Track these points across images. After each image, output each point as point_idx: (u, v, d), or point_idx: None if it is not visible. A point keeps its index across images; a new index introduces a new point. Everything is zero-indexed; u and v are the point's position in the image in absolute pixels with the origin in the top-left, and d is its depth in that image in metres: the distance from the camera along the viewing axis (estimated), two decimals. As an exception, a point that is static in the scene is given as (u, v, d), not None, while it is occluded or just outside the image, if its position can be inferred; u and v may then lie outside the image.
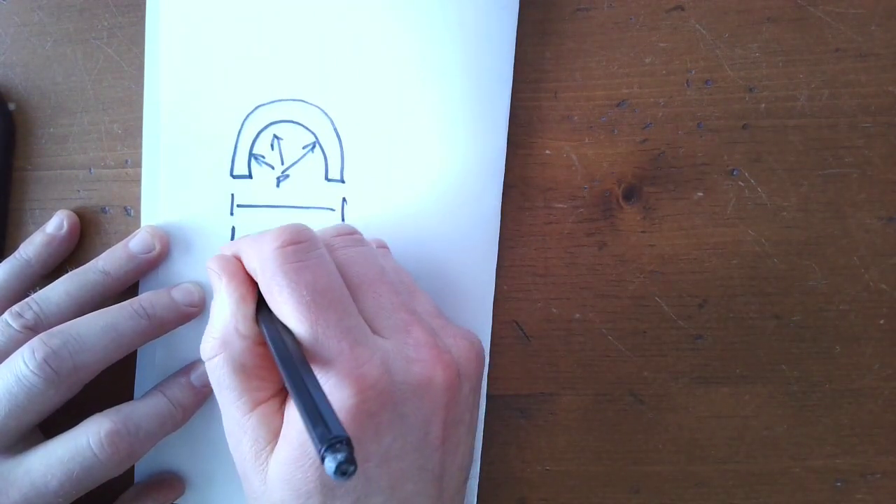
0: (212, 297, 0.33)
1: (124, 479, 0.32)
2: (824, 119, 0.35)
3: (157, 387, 0.33)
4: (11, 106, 0.34)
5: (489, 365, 0.35)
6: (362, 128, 0.34)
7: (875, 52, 0.34)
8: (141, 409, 0.31)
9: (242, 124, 0.34)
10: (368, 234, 0.32)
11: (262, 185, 0.34)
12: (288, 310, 0.26)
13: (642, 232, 0.35)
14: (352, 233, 0.30)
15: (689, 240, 0.35)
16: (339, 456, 0.20)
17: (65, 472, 0.29)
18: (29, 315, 0.31)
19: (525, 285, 0.35)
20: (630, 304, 0.35)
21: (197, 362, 0.33)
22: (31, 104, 0.34)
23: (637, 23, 0.34)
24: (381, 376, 0.25)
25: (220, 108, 0.33)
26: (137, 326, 0.31)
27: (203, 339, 0.28)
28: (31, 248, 0.33)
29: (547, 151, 0.35)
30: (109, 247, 0.33)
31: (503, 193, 0.34)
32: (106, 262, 0.32)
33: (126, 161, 0.34)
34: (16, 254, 0.33)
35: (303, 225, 0.28)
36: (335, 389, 0.25)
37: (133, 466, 0.34)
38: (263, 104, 0.33)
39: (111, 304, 0.31)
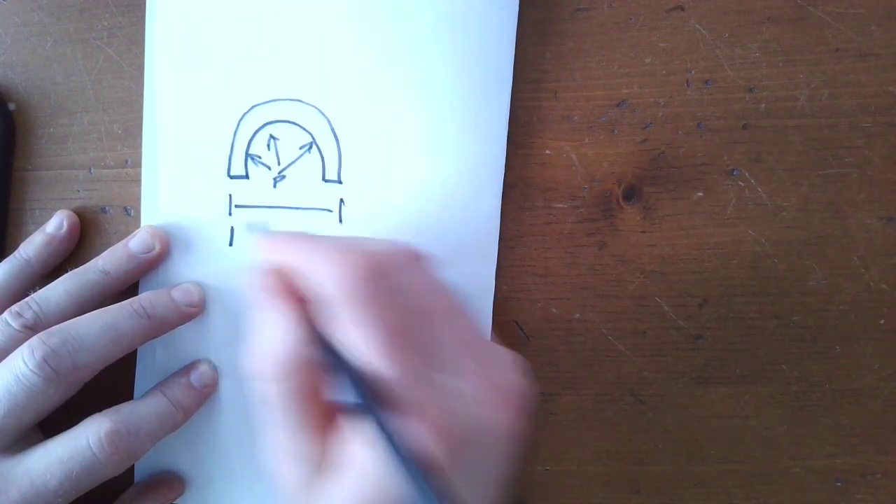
0: (211, 298, 0.33)
1: (124, 479, 0.32)
2: (824, 119, 0.35)
3: (157, 387, 0.33)
4: (11, 106, 0.34)
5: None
6: (360, 128, 0.33)
7: (875, 52, 0.34)
8: (141, 409, 0.31)
9: (238, 124, 0.33)
10: (367, 235, 0.32)
11: (259, 185, 0.34)
12: (369, 348, 0.25)
13: (642, 232, 0.35)
14: (417, 257, 0.29)
15: (689, 240, 0.35)
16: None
17: (64, 472, 0.29)
18: (29, 314, 0.31)
19: (525, 285, 0.35)
20: (630, 304, 0.35)
21: (197, 362, 0.33)
22: (31, 104, 0.34)
23: (637, 23, 0.34)
24: (455, 424, 0.25)
25: (217, 108, 0.33)
26: (137, 326, 0.31)
27: (252, 356, 0.27)
28: (31, 247, 0.33)
29: (547, 151, 0.35)
30: (109, 247, 0.33)
31: (503, 193, 0.34)
32: (106, 262, 0.32)
33: (126, 161, 0.34)
34: (16, 253, 0.33)
35: (386, 247, 0.27)
36: (413, 433, 0.24)
37: (133, 466, 0.34)
38: (259, 104, 0.33)
39: (111, 304, 0.31)
